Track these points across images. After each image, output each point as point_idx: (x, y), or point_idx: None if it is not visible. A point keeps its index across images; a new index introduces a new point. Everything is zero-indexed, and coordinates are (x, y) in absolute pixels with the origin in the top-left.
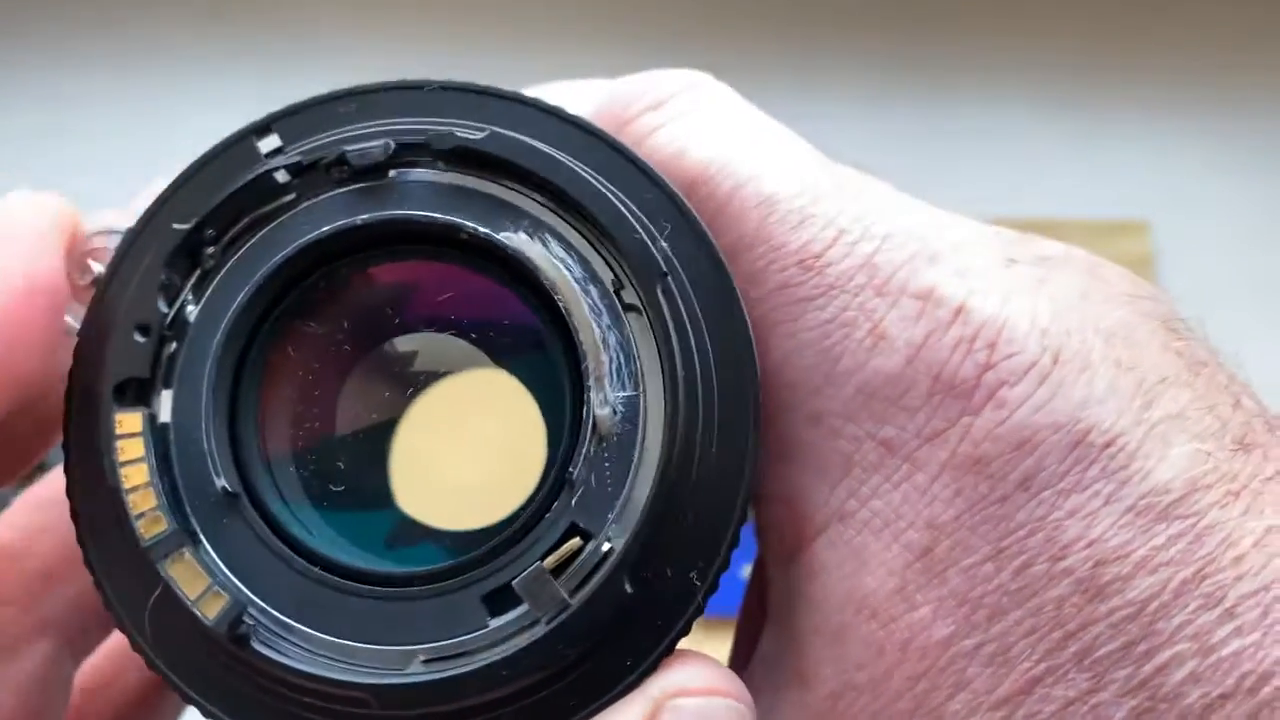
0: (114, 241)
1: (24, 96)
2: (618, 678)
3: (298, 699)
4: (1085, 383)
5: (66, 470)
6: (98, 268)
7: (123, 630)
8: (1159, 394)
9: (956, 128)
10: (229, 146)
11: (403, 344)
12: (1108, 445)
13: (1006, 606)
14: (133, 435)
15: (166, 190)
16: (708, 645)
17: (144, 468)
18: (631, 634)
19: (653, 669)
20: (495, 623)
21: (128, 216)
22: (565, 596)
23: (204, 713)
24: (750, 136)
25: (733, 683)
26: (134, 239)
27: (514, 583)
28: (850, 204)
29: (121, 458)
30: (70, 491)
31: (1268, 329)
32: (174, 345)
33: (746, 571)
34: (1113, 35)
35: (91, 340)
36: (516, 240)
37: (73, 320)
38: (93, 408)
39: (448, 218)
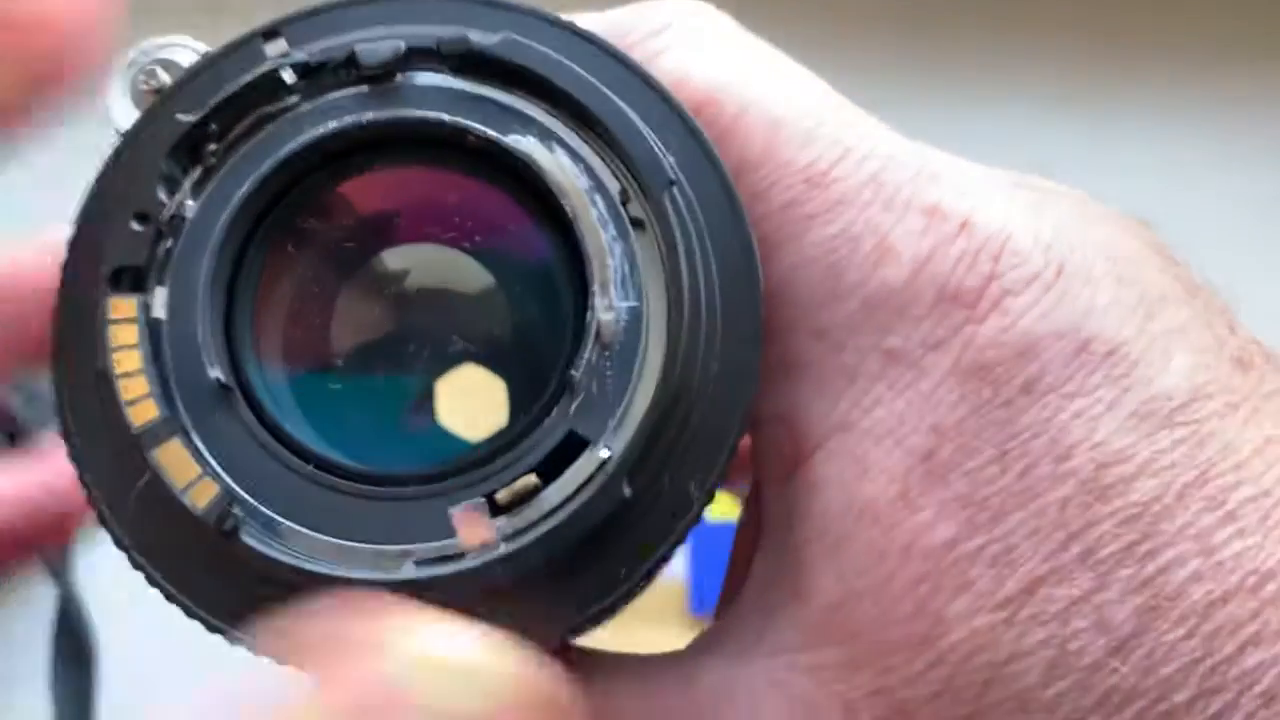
0: (186, 55)
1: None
2: (612, 584)
3: (285, 597)
4: (1088, 295)
5: (53, 355)
6: (164, 76)
7: (103, 523)
8: (1160, 309)
9: (955, 127)
10: (236, 48)
11: (402, 252)
12: (1110, 353)
13: (1010, 508)
14: (127, 320)
15: (171, 86)
16: None
17: (136, 354)
18: (628, 540)
19: (647, 578)
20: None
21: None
22: (495, 537)
23: (185, 611)
24: (754, 60)
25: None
26: (138, 130)
27: (450, 511)
28: (856, 125)
29: (114, 343)
30: (56, 376)
31: (1269, 329)
32: (170, 241)
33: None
34: (1113, 35)
35: (88, 224)
36: (525, 144)
37: (124, 123)
38: (86, 292)
39: (456, 119)
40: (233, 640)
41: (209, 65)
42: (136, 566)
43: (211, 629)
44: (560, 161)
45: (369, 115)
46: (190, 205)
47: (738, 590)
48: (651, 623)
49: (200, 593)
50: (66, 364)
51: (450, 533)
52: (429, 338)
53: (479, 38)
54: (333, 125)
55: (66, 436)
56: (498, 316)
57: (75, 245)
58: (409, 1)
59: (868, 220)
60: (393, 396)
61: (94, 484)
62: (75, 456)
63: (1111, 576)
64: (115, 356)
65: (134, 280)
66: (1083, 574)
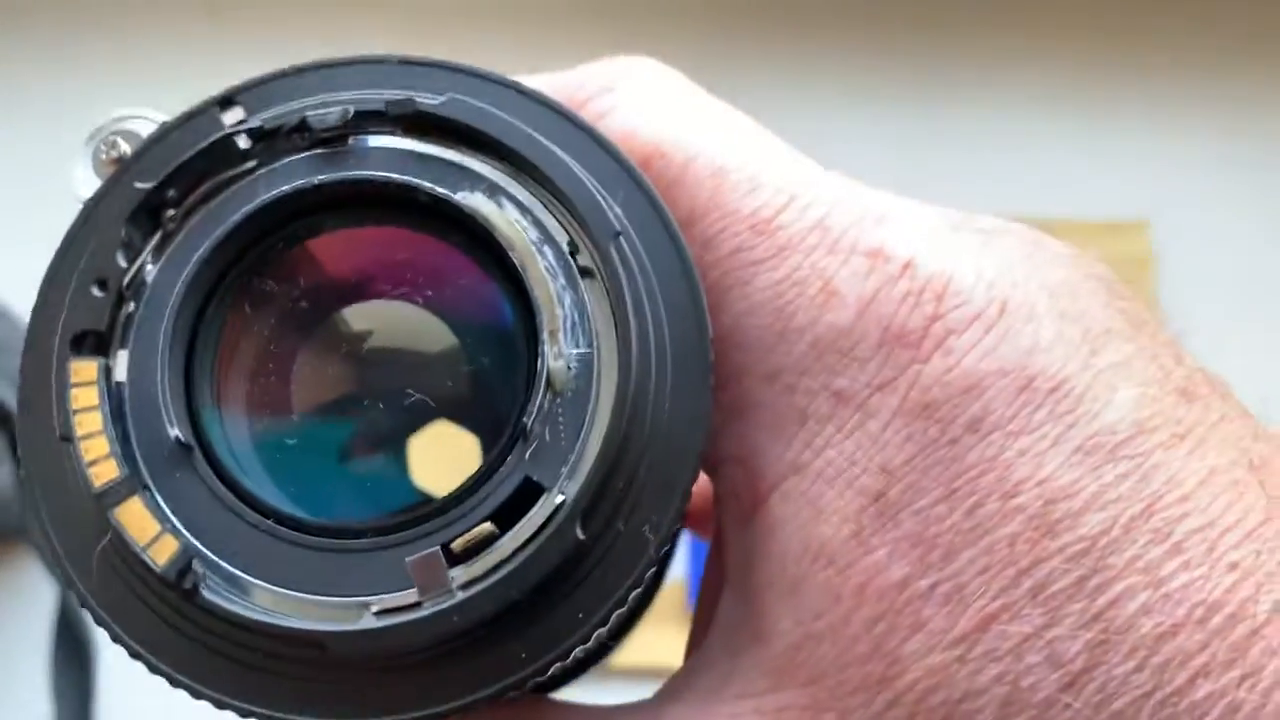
0: (146, 126)
1: (22, 98)
2: (570, 628)
3: (247, 650)
4: (1031, 331)
5: (18, 418)
6: (124, 147)
7: (67, 583)
8: (1104, 344)
9: (954, 127)
10: (192, 117)
11: (360, 309)
12: (1054, 389)
13: (960, 546)
14: (87, 384)
15: (131, 156)
16: None
17: (96, 415)
18: (585, 585)
19: (603, 622)
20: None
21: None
22: (451, 585)
23: (149, 667)
24: (700, 113)
25: None
26: (98, 199)
27: (407, 560)
28: (800, 172)
29: (75, 405)
30: (20, 440)
31: (1268, 329)
32: (131, 305)
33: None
34: (1112, 34)
35: (52, 289)
36: (473, 200)
37: (84, 192)
38: (47, 356)
39: (405, 178)
40: (195, 696)
41: (165, 134)
42: (100, 623)
43: (174, 685)
44: (508, 215)
45: (321, 176)
46: (150, 269)
47: (704, 634)
48: (651, 622)
49: (163, 649)
50: (29, 427)
51: (408, 583)
52: (385, 392)
53: (425, 99)
54: (286, 188)
55: (29, 498)
56: (453, 369)
57: (39, 311)
58: (358, 67)
59: (813, 264)
60: (350, 450)
61: (59, 546)
62: (36, 518)
63: (1062, 612)
64: (77, 419)
65: (96, 344)
66: (1034, 610)
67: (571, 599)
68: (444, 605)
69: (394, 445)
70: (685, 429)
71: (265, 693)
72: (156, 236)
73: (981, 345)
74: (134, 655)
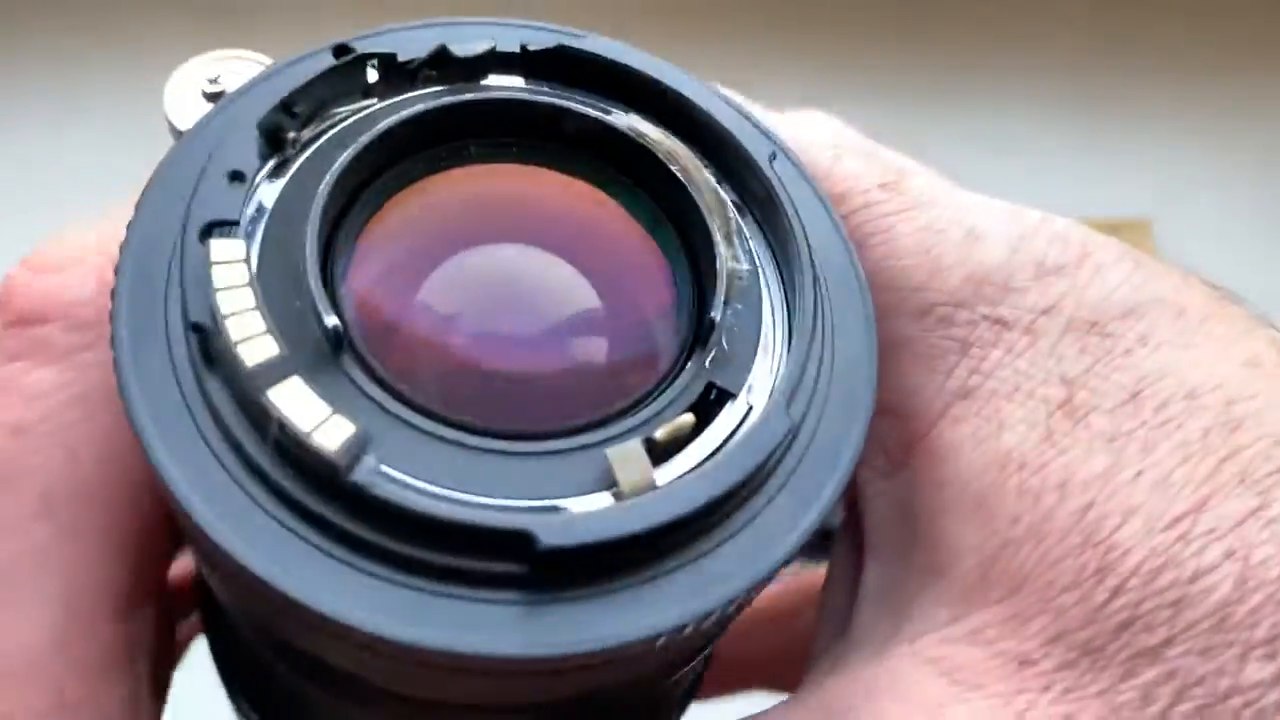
0: (248, 67)
1: (24, 100)
2: (779, 536)
3: (422, 570)
4: (1171, 279)
5: (113, 318)
6: (227, 81)
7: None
8: (1226, 303)
9: (955, 126)
10: (303, 59)
11: (495, 249)
12: (1206, 319)
13: (1156, 439)
14: (232, 262)
15: (239, 88)
16: None
17: (247, 293)
18: (787, 490)
19: (808, 533)
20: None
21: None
22: (655, 480)
23: (284, 601)
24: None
25: None
26: (212, 117)
27: (607, 453)
28: (900, 157)
29: (219, 284)
30: (118, 340)
31: None
32: (258, 207)
33: None
34: (1114, 35)
35: (164, 192)
36: (627, 119)
37: (181, 123)
38: (162, 244)
39: (556, 100)
40: (358, 640)
41: (274, 73)
42: (216, 542)
43: (325, 625)
44: (664, 134)
45: (468, 95)
46: (275, 183)
47: (840, 621)
48: None
49: (310, 578)
50: (136, 320)
51: (601, 483)
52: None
53: (567, 39)
54: (436, 102)
55: (136, 425)
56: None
57: (143, 212)
58: (463, 24)
59: (952, 216)
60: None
61: (168, 455)
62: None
63: (1271, 495)
64: (220, 297)
65: (228, 235)
66: (1245, 492)
67: (775, 505)
68: (653, 499)
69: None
70: (861, 355)
71: (455, 622)
72: (274, 158)
73: (1133, 279)
74: (263, 588)
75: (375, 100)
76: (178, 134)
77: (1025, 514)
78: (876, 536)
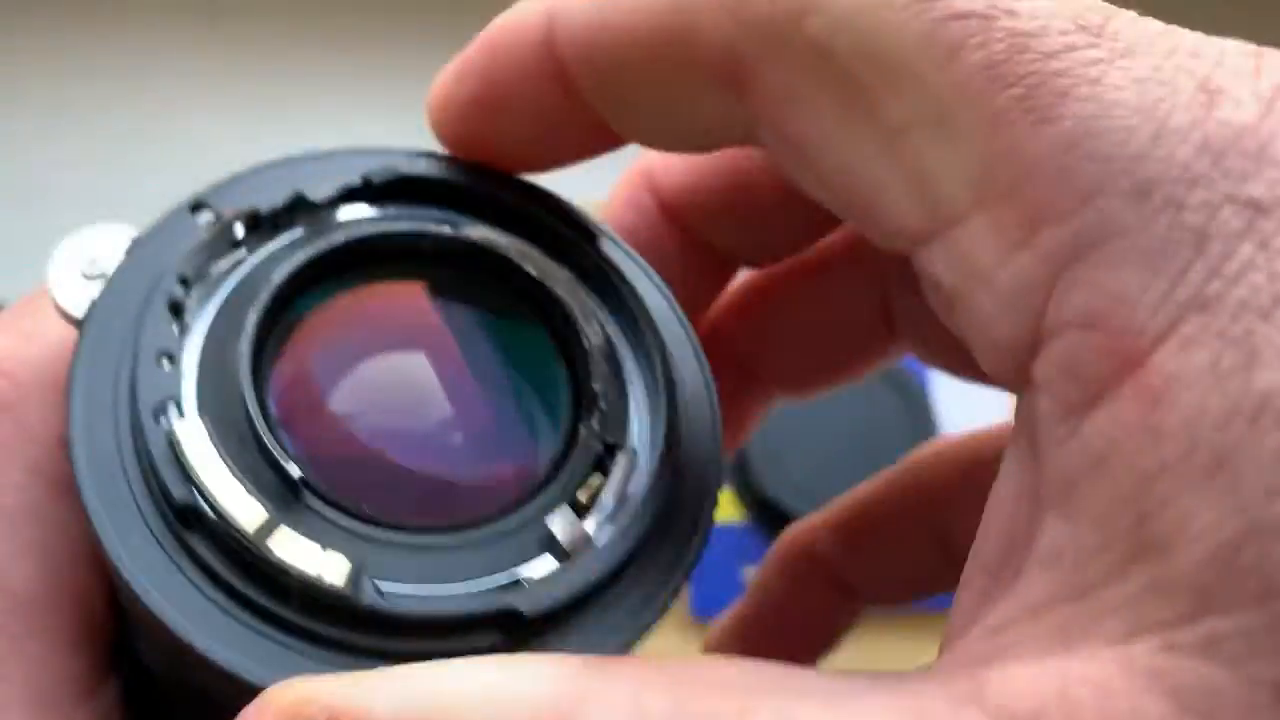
0: (112, 237)
1: (23, 104)
2: (681, 553)
3: (422, 649)
4: None
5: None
6: (103, 264)
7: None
8: None
9: None
10: (166, 222)
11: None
12: None
13: None
14: (198, 440)
15: (119, 266)
16: None
17: (222, 467)
18: (678, 515)
19: (703, 542)
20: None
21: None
22: (590, 536)
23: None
24: None
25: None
26: (100, 309)
27: (545, 521)
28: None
29: (194, 463)
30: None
31: None
32: (190, 363)
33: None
34: None
35: (94, 374)
36: (480, 231)
37: (75, 311)
38: (113, 426)
39: (411, 227)
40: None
41: (146, 242)
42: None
43: None
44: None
45: (386, 227)
46: (190, 349)
47: (993, 573)
48: None
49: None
50: (104, 494)
51: (543, 548)
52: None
53: (405, 166)
54: (335, 241)
55: (134, 600)
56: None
57: (80, 395)
58: (308, 160)
59: (1178, 64)
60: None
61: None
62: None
63: None
64: (199, 475)
65: (176, 410)
66: None
67: (671, 532)
68: (590, 556)
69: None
70: (703, 405)
71: None
72: (178, 327)
73: None
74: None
75: (244, 252)
76: (70, 318)
77: None
78: (1058, 487)
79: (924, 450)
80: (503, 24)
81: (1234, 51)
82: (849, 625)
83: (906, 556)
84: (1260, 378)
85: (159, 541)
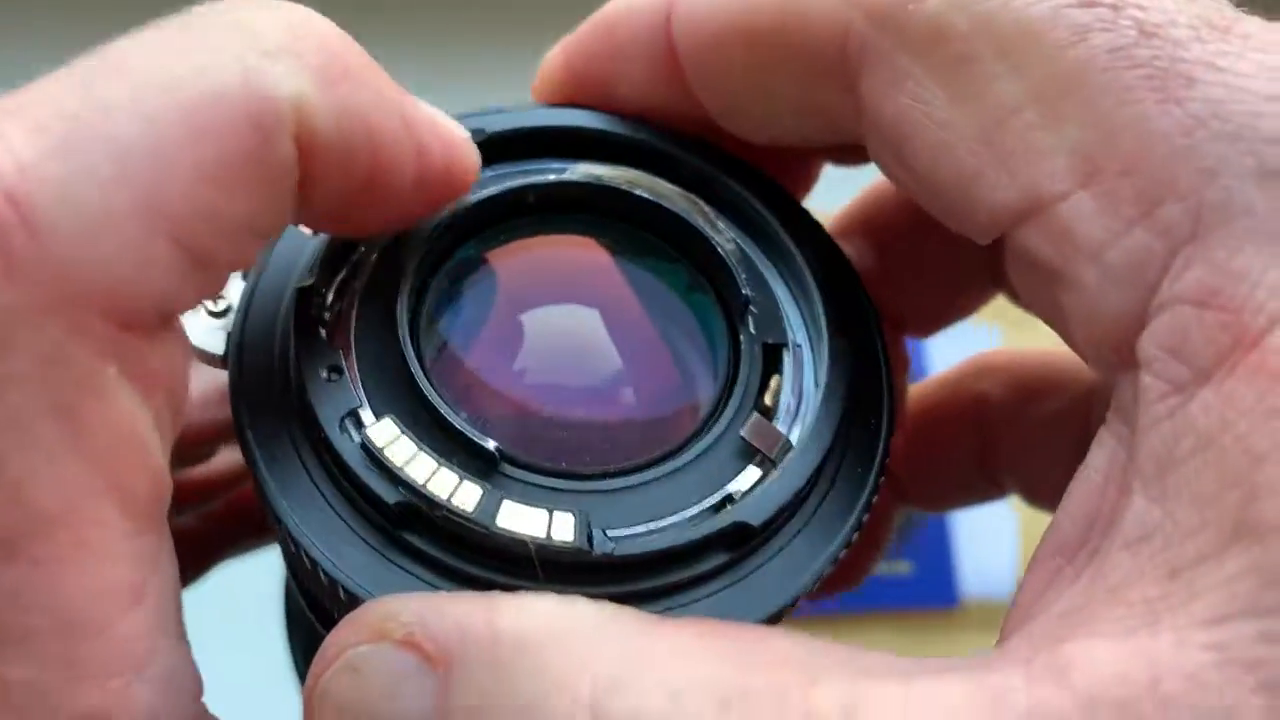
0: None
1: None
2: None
3: (653, 585)
4: None
5: (292, 541)
6: (228, 297)
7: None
8: None
9: None
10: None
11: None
12: None
13: None
14: (393, 442)
15: (243, 300)
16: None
17: (429, 460)
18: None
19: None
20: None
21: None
22: (784, 435)
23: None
24: None
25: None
26: (246, 309)
27: (741, 434)
28: None
29: (399, 462)
30: (311, 567)
31: None
32: (351, 374)
33: None
34: None
35: (257, 400)
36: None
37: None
38: (305, 451)
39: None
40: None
41: (262, 265)
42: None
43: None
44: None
45: (543, 178)
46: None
47: (1071, 551)
48: None
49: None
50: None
51: (746, 460)
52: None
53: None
54: (502, 188)
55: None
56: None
57: (257, 432)
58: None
59: None
60: None
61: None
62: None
63: None
64: (408, 471)
65: (357, 420)
66: None
67: (856, 428)
68: (791, 456)
69: None
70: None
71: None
72: (338, 280)
73: None
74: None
75: (361, 249)
76: (210, 358)
77: None
78: (1154, 466)
79: (975, 359)
80: (622, 6)
81: None
82: (892, 528)
83: (949, 462)
84: None
85: (372, 546)
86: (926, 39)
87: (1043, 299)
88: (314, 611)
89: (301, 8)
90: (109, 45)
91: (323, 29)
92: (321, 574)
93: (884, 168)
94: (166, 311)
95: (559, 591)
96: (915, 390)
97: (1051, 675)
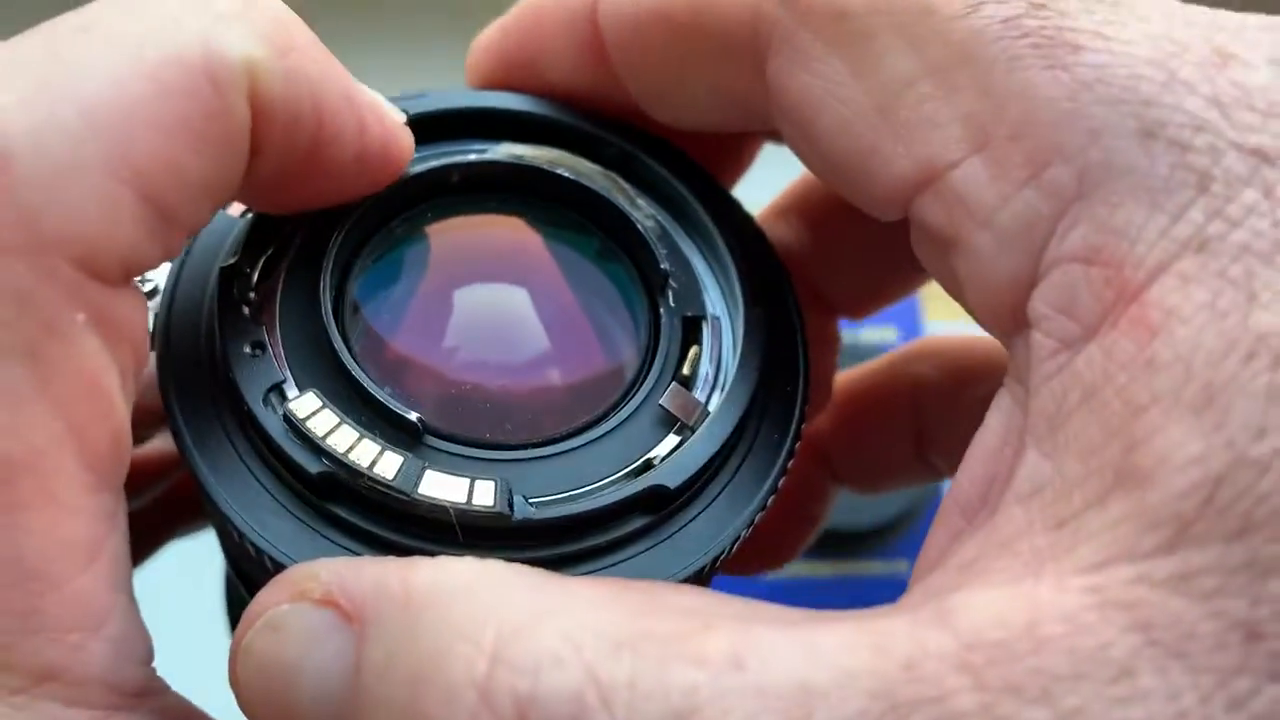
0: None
1: None
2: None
3: (577, 548)
4: None
5: (214, 509)
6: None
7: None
8: None
9: None
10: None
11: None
12: None
13: None
14: (315, 413)
15: (169, 280)
16: None
17: (349, 431)
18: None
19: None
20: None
21: None
22: (702, 403)
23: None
24: None
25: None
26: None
27: (659, 404)
28: None
29: (320, 433)
30: (236, 531)
31: None
32: (274, 347)
33: None
34: None
35: (185, 379)
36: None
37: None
38: (227, 421)
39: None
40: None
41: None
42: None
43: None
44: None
45: (464, 158)
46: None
47: (971, 511)
48: None
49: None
50: (221, 488)
51: (667, 428)
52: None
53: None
54: (427, 166)
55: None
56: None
57: (179, 396)
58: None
59: (1193, 31)
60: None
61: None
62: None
63: None
64: (329, 443)
65: (280, 393)
66: None
67: (773, 397)
68: (707, 421)
69: None
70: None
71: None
72: (263, 258)
73: None
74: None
75: (288, 226)
76: None
77: (1278, 429)
78: (1044, 422)
79: (911, 345)
80: None
81: (1255, 25)
82: (825, 508)
83: (883, 443)
84: (1258, 319)
85: (297, 517)
86: (828, 17)
87: (943, 269)
88: (249, 591)
89: None
90: (71, 11)
91: (273, 2)
92: (249, 545)
93: (795, 149)
94: (131, 266)
95: (480, 557)
96: (852, 373)
97: (935, 620)
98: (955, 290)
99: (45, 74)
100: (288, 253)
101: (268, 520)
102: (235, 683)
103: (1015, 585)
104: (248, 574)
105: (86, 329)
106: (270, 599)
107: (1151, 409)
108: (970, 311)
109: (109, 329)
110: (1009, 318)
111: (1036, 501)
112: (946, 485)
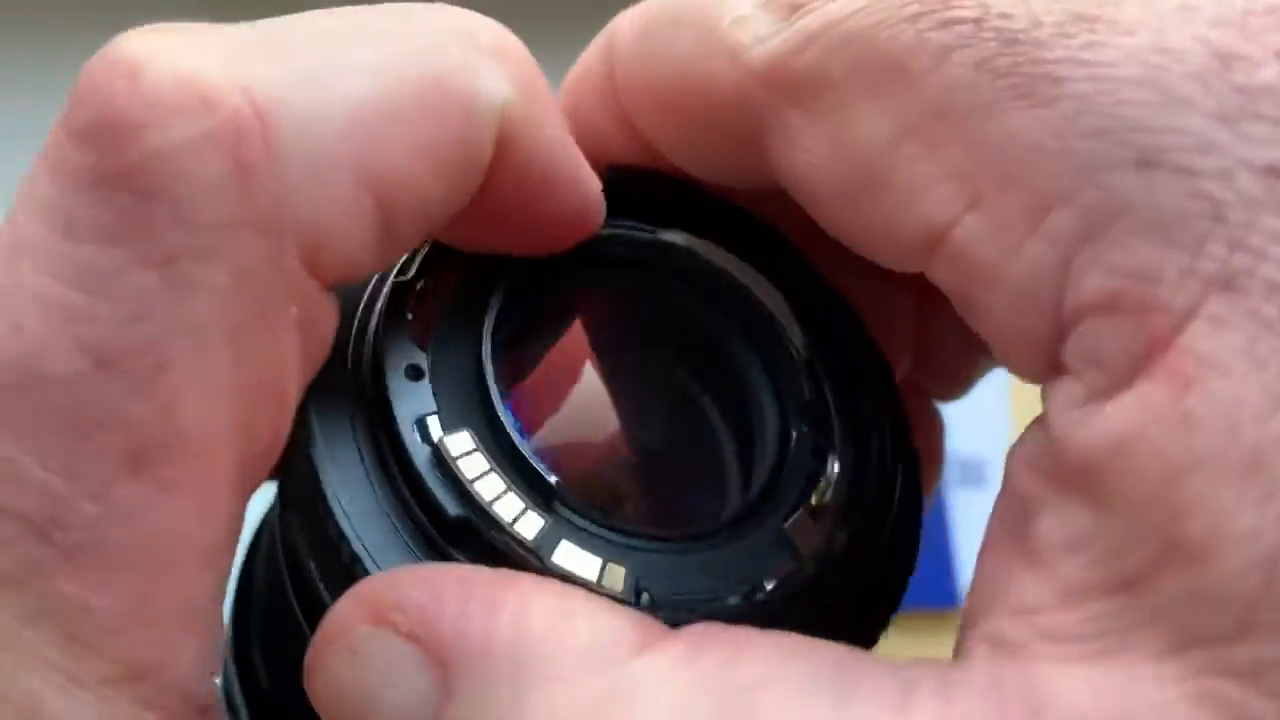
0: None
1: (20, 95)
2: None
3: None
4: None
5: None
6: None
7: None
8: None
9: None
10: None
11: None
12: None
13: None
14: (469, 454)
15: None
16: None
17: (495, 478)
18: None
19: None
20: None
21: None
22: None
23: None
24: None
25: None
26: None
27: (784, 528)
28: None
29: (470, 476)
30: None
31: None
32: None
33: None
34: None
35: (325, 388)
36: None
37: None
38: (378, 445)
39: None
40: None
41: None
42: None
43: None
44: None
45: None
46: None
47: (1024, 551)
48: None
49: None
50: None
51: (788, 557)
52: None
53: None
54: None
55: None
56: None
57: (322, 426)
58: None
59: (1190, 34)
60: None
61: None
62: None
63: None
64: (476, 487)
65: (426, 429)
66: None
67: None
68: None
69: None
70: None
71: None
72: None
73: None
74: None
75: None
76: None
77: None
78: (1079, 470)
79: None
80: (578, 71)
81: (1260, 10)
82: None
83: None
84: None
85: (418, 557)
86: (809, 92)
87: (972, 329)
88: (304, 608)
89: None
90: (336, 11)
91: (521, 46)
92: (360, 570)
93: (823, 227)
94: (348, 271)
95: None
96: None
97: (1026, 709)
98: (991, 347)
99: (317, 63)
100: (449, 284)
101: (387, 553)
102: (312, 694)
103: (1098, 663)
104: (312, 591)
105: (293, 325)
106: (351, 615)
107: (1195, 472)
108: (1008, 368)
109: (310, 330)
110: (1039, 371)
111: (1086, 555)
112: (947, 486)
